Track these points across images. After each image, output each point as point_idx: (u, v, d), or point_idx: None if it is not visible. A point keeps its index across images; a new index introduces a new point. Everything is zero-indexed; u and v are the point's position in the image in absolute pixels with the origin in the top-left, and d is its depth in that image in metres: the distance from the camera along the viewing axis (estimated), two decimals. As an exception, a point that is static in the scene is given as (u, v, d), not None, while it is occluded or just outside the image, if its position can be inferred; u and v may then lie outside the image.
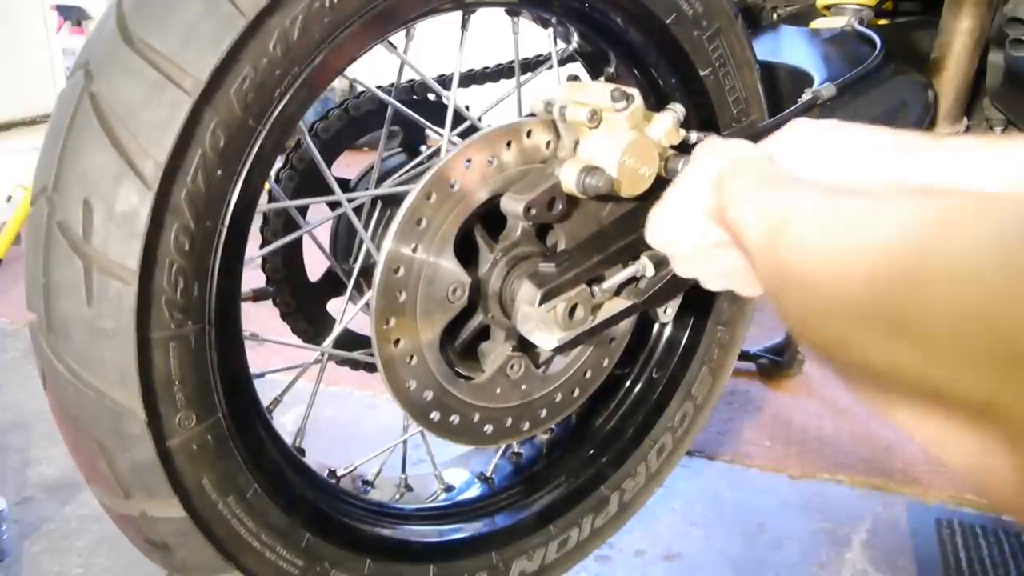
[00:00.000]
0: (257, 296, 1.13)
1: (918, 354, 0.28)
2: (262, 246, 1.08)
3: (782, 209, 0.42)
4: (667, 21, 0.98)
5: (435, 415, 0.92)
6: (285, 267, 1.14)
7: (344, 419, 1.74)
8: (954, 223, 0.29)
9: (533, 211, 0.85)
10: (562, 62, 1.05)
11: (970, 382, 0.26)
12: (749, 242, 0.46)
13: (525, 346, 0.95)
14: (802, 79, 1.29)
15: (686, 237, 0.66)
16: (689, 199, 0.63)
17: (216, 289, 0.76)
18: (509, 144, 0.87)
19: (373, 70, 1.15)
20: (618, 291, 0.92)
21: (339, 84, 3.26)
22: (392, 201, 1.02)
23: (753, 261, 0.46)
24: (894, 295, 0.30)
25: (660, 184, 0.81)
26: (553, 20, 1.00)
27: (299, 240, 1.09)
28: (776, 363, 1.90)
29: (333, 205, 1.00)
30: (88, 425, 0.74)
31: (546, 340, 0.87)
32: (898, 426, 0.34)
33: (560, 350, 0.91)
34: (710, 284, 0.69)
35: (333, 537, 0.92)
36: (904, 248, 0.30)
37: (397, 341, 0.86)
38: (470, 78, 1.30)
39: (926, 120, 1.37)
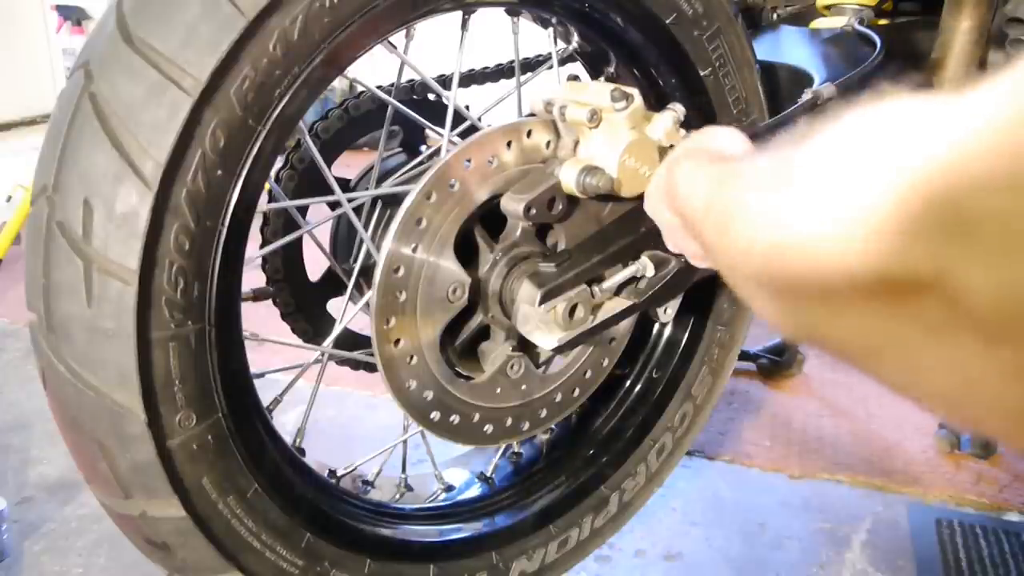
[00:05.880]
0: (257, 296, 1.12)
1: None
2: (262, 246, 1.08)
3: (724, 202, 0.43)
4: (667, 21, 0.98)
5: (435, 415, 0.92)
6: (285, 267, 1.14)
7: (344, 419, 1.74)
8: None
9: (533, 211, 0.85)
10: (562, 62, 1.05)
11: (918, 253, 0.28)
12: (699, 232, 0.47)
13: (525, 346, 0.95)
14: (802, 79, 1.29)
15: (659, 213, 0.66)
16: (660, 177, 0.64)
17: (216, 289, 0.76)
18: (509, 144, 0.87)
19: (373, 70, 1.15)
20: (618, 291, 0.93)
21: (339, 84, 3.26)
22: (392, 201, 1.02)
23: (705, 249, 0.47)
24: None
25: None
26: (553, 20, 1.00)
27: (299, 240, 1.09)
28: (776, 363, 1.90)
29: (333, 205, 1.00)
30: (88, 425, 0.74)
31: (546, 340, 0.87)
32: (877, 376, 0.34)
33: (560, 350, 0.91)
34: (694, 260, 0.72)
35: (333, 537, 0.92)
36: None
37: (397, 341, 0.86)
38: (470, 78, 1.30)
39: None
